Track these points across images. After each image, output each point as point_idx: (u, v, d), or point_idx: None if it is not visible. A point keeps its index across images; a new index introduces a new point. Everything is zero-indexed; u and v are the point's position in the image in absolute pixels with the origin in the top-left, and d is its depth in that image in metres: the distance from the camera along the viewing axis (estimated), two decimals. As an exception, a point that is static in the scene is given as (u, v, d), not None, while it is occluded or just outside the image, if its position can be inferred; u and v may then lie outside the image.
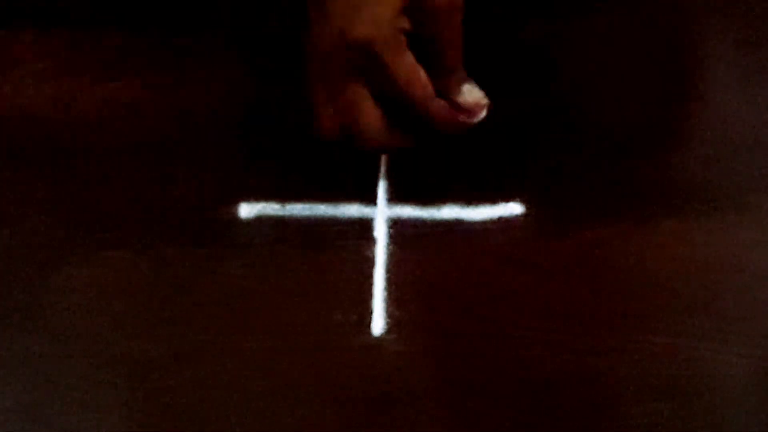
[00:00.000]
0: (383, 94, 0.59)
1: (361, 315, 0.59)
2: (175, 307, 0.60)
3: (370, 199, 0.63)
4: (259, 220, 0.63)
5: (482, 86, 0.61)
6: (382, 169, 0.64)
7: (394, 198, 0.63)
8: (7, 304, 0.61)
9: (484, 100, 0.60)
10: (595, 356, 0.57)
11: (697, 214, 0.62)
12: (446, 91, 0.60)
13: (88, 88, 0.68)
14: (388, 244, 0.62)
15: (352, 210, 0.63)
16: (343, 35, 0.58)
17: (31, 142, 0.67)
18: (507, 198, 0.63)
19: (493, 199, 0.63)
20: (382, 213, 0.63)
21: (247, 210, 0.63)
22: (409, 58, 0.58)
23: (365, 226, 0.62)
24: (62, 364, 0.59)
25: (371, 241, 0.62)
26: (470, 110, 0.60)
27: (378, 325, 0.59)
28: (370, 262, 0.61)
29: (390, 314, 0.59)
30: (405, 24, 0.58)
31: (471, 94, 0.60)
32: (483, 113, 0.60)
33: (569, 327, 0.58)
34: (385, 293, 0.60)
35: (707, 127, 0.65)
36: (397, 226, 0.62)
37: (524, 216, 0.62)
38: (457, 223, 0.62)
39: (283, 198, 0.63)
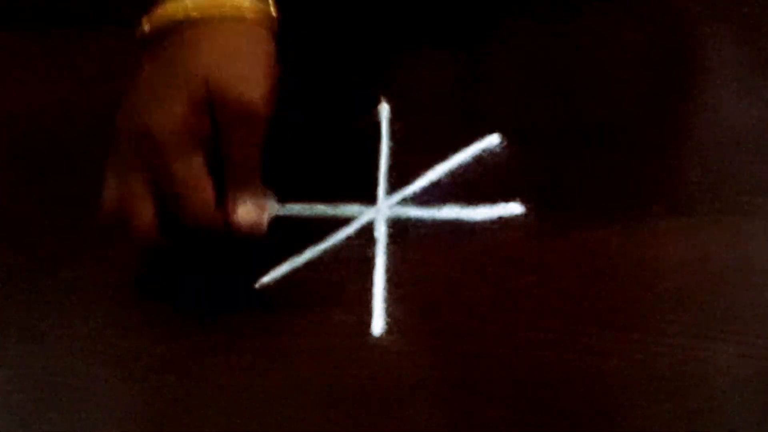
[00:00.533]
0: (160, 190, 0.56)
1: (361, 315, 0.59)
2: (175, 307, 0.60)
3: (370, 199, 0.63)
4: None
5: (483, 86, 0.61)
6: (382, 169, 0.64)
7: (394, 198, 0.63)
8: (8, 304, 0.61)
9: (258, 223, 0.57)
10: (595, 356, 0.57)
11: (697, 214, 0.62)
12: (225, 202, 0.57)
13: (88, 88, 0.68)
14: (388, 244, 0.62)
15: (352, 210, 0.63)
16: (134, 124, 0.55)
17: (31, 142, 0.67)
18: (507, 198, 0.63)
19: (493, 199, 0.63)
20: (382, 213, 0.63)
21: (247, 210, 0.63)
22: (196, 161, 0.55)
23: (365, 226, 0.62)
24: (62, 364, 0.59)
25: (371, 241, 0.62)
26: (238, 228, 0.57)
27: (378, 325, 0.59)
28: (370, 262, 0.61)
29: (390, 314, 0.59)
30: (200, 126, 0.55)
31: (243, 212, 0.57)
32: (253, 233, 0.57)
33: (569, 327, 0.58)
34: (385, 293, 0.60)
35: (707, 127, 0.65)
36: (397, 226, 0.62)
37: (524, 216, 0.62)
38: (457, 223, 0.62)
39: (283, 198, 0.63)
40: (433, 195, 0.63)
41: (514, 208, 0.62)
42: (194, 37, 0.56)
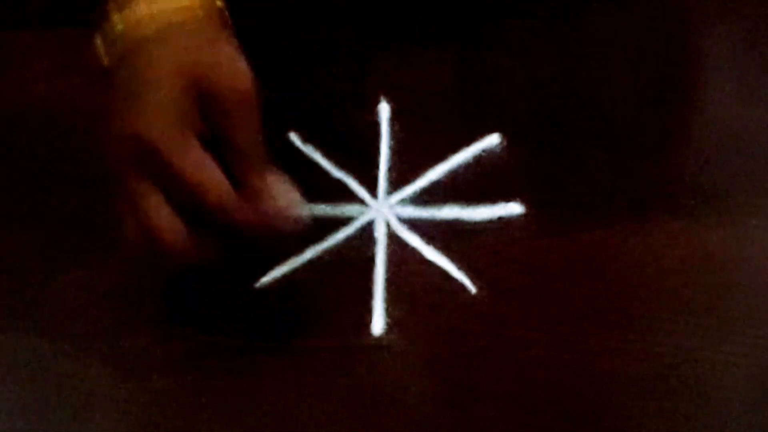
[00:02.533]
0: (179, 199, 0.52)
1: (361, 315, 0.59)
2: (175, 307, 0.60)
3: (370, 200, 0.63)
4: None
5: (483, 86, 0.61)
6: (382, 169, 0.64)
7: (394, 198, 0.63)
8: (8, 304, 0.61)
9: (290, 204, 0.54)
10: (595, 356, 0.57)
11: (697, 214, 0.62)
12: (254, 193, 0.53)
13: (88, 88, 0.67)
14: (388, 244, 0.62)
15: (352, 210, 0.63)
16: (123, 130, 0.52)
17: (31, 142, 0.67)
18: (507, 198, 0.63)
19: (493, 199, 0.63)
20: (382, 213, 0.63)
21: (247, 210, 0.63)
22: (199, 157, 0.52)
23: (365, 226, 0.62)
24: (62, 363, 0.59)
25: (371, 241, 0.62)
26: (274, 216, 0.53)
27: (378, 325, 0.59)
28: (370, 262, 0.61)
29: (390, 314, 0.59)
30: (193, 121, 0.52)
31: (284, 196, 0.54)
32: (300, 215, 0.54)
33: (569, 327, 0.58)
34: (385, 293, 0.60)
35: (707, 127, 0.65)
36: (397, 226, 0.62)
37: (524, 216, 0.62)
38: (457, 223, 0.62)
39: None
40: (433, 195, 0.63)
41: (514, 208, 0.62)
42: (176, 29, 0.54)
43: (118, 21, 0.55)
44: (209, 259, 0.54)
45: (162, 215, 0.52)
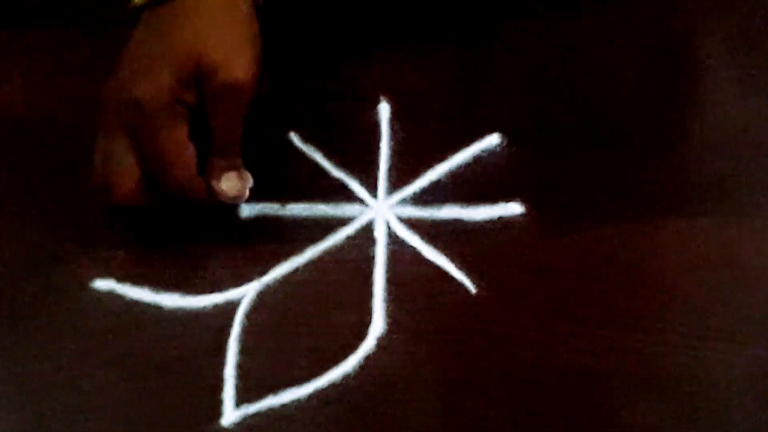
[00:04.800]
0: (143, 156, 0.58)
1: (361, 315, 0.59)
2: (175, 307, 0.60)
3: (370, 199, 0.63)
4: (259, 220, 0.63)
5: (483, 86, 0.61)
6: (382, 168, 0.64)
7: (394, 198, 0.63)
8: (8, 303, 0.61)
9: (241, 193, 0.60)
10: (595, 356, 0.57)
11: (697, 213, 0.62)
12: (208, 171, 0.59)
13: (88, 88, 0.67)
14: (388, 244, 0.62)
15: (352, 210, 0.63)
16: (122, 91, 0.57)
17: (31, 142, 0.67)
18: (507, 198, 0.63)
19: (493, 199, 0.63)
20: (382, 213, 0.63)
21: (247, 210, 0.63)
22: (180, 131, 0.58)
23: (365, 226, 0.62)
24: (63, 363, 0.59)
25: (371, 241, 0.62)
26: (221, 196, 0.59)
27: (378, 325, 0.59)
28: (370, 262, 0.61)
29: (390, 314, 0.59)
30: (186, 96, 0.57)
31: (228, 182, 0.59)
32: (236, 201, 0.60)
33: (569, 327, 0.58)
34: (385, 293, 0.60)
35: (707, 127, 0.65)
36: (397, 226, 0.62)
37: (524, 216, 0.62)
38: (457, 223, 0.62)
39: (283, 198, 0.63)
40: (433, 195, 0.63)
41: (514, 208, 0.62)
42: (183, 12, 0.58)
43: None
44: (142, 205, 0.59)
45: (123, 161, 0.58)
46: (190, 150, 0.58)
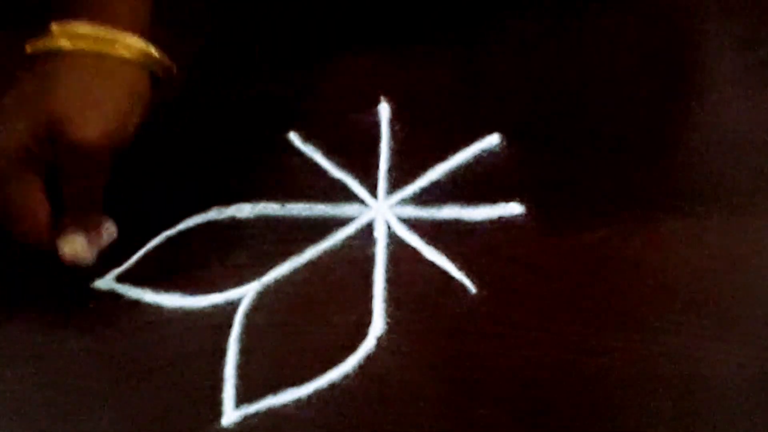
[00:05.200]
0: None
1: (361, 315, 0.59)
2: (174, 306, 0.61)
3: (370, 199, 0.63)
4: (259, 220, 0.63)
5: (483, 86, 0.61)
6: (382, 169, 0.64)
7: (394, 198, 0.63)
8: (8, 304, 0.61)
9: (79, 257, 0.59)
10: (595, 356, 0.57)
11: (697, 214, 0.62)
12: (61, 230, 0.59)
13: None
14: (388, 244, 0.62)
15: (352, 210, 0.63)
16: None
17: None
18: (507, 198, 0.63)
19: (493, 199, 0.63)
20: (382, 213, 0.63)
21: (247, 210, 0.63)
22: (32, 187, 0.57)
23: (365, 226, 0.62)
24: (62, 363, 0.59)
25: (371, 241, 0.62)
26: (61, 257, 0.59)
27: (378, 325, 0.59)
28: (370, 262, 0.61)
29: (390, 314, 0.59)
30: (39, 151, 0.57)
31: (66, 244, 0.59)
32: (74, 265, 0.60)
33: (569, 327, 0.58)
34: (385, 293, 0.60)
35: (708, 128, 0.65)
36: (397, 226, 0.62)
37: (524, 216, 0.62)
38: (457, 223, 0.62)
39: (283, 198, 0.63)
40: (433, 195, 0.63)
41: (514, 208, 0.62)
42: (54, 68, 0.58)
43: (55, 30, 0.58)
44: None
45: None
46: (42, 206, 0.58)
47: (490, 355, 0.57)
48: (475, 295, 0.60)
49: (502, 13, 0.69)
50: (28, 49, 0.59)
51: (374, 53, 0.68)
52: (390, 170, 0.64)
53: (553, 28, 0.68)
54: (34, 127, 0.57)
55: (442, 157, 0.64)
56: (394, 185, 0.64)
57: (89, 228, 0.60)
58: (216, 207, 0.63)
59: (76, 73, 0.58)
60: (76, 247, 0.59)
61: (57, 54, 0.58)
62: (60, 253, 0.59)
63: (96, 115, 0.57)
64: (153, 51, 0.60)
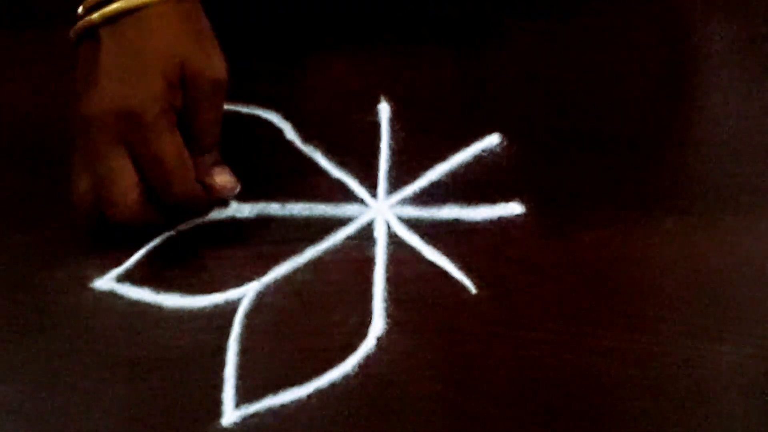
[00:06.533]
0: (144, 168, 0.57)
1: (361, 315, 0.59)
2: (174, 306, 0.60)
3: (370, 200, 0.63)
4: (259, 220, 0.63)
5: (483, 86, 0.61)
6: (382, 168, 0.64)
7: (394, 198, 0.63)
8: (8, 304, 0.61)
9: (235, 185, 0.61)
10: (595, 356, 0.57)
11: (697, 214, 0.62)
12: (198, 171, 0.59)
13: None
14: (388, 244, 0.62)
15: (352, 210, 0.63)
16: (114, 103, 0.56)
17: (31, 143, 0.67)
18: (507, 198, 0.63)
19: (493, 199, 0.63)
20: (382, 213, 0.63)
21: (247, 210, 0.63)
22: (177, 137, 0.57)
23: (365, 226, 0.62)
24: (62, 363, 0.59)
25: (371, 241, 0.62)
26: (220, 192, 0.60)
27: (378, 325, 0.59)
28: (370, 262, 0.61)
29: (390, 314, 0.59)
30: (176, 100, 0.57)
31: (222, 177, 0.60)
32: (232, 194, 0.61)
33: (569, 327, 0.58)
34: (385, 293, 0.60)
35: (707, 127, 0.65)
36: (397, 226, 0.62)
37: (524, 216, 0.62)
38: (457, 223, 0.62)
39: (283, 198, 0.63)
40: (433, 195, 0.63)
41: (514, 208, 0.62)
42: (152, 20, 0.58)
43: None
44: (149, 223, 0.60)
45: (122, 176, 0.57)
46: (189, 155, 0.58)
47: (490, 355, 0.57)
48: (475, 295, 0.60)
49: (502, 13, 0.69)
50: (95, 16, 0.58)
51: (374, 53, 0.68)
52: (390, 170, 0.64)
53: (553, 29, 0.68)
54: (171, 76, 0.57)
55: (442, 157, 0.64)
56: (394, 185, 0.64)
57: (222, 164, 0.61)
58: (216, 207, 0.63)
59: (174, 18, 0.58)
60: (229, 177, 0.60)
61: (132, 12, 0.57)
62: (217, 187, 0.60)
63: (218, 55, 0.59)
64: None
